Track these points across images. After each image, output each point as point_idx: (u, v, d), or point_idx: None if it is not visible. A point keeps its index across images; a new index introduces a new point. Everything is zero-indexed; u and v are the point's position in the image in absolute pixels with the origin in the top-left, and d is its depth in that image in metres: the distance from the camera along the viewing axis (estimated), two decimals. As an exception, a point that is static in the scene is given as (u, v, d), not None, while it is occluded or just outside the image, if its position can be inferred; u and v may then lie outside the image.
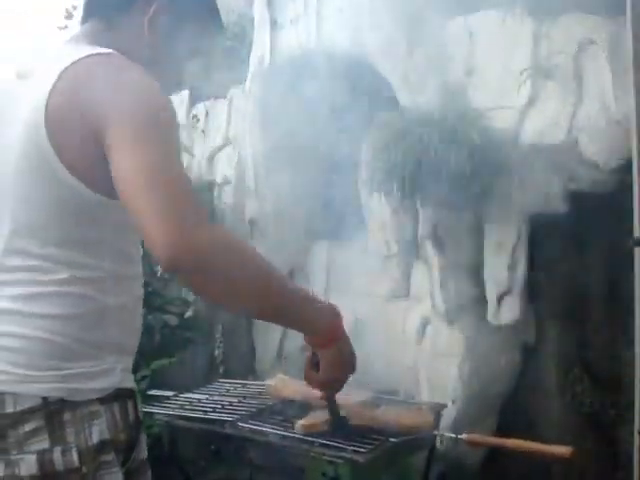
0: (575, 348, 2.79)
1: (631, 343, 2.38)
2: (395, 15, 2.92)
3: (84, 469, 1.20)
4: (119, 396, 1.27)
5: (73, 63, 1.20)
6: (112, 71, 1.21)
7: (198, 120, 4.28)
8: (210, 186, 4.03)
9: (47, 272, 1.22)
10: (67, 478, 1.20)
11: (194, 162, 4.23)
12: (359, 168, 3.35)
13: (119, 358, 1.29)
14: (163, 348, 3.36)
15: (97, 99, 1.17)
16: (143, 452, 1.34)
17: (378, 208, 3.21)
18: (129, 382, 1.32)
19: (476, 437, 1.76)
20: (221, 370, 3.76)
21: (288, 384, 2.12)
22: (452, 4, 2.87)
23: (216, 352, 3.80)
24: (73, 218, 1.23)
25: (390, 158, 2.67)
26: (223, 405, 2.12)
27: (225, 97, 4.12)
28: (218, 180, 4.05)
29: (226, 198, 3.97)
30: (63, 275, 1.22)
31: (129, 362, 1.34)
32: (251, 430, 1.95)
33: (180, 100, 4.45)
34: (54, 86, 1.18)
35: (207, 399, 2.22)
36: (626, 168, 2.35)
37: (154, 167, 1.15)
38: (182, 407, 2.12)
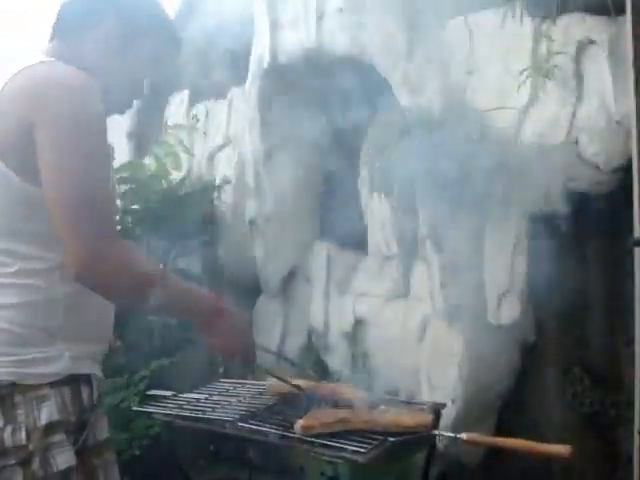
0: (575, 348, 2.79)
1: (631, 343, 2.38)
2: (395, 15, 2.91)
3: (30, 447, 1.32)
4: (72, 381, 1.38)
5: (15, 74, 1.33)
6: (48, 75, 1.32)
7: (198, 120, 4.28)
8: (210, 186, 4.02)
9: (1, 265, 1.34)
10: (15, 454, 1.31)
11: (194, 162, 4.22)
12: (359, 168, 3.35)
13: (70, 346, 1.39)
14: (163, 348, 3.36)
15: (29, 104, 1.28)
16: (102, 433, 1.46)
17: (378, 208, 3.21)
18: (86, 368, 1.43)
19: (476, 436, 1.76)
20: (221, 370, 3.75)
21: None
22: (452, 4, 2.87)
23: (216, 352, 3.79)
24: (10, 209, 1.34)
25: (390, 158, 2.67)
26: (223, 405, 2.12)
27: (225, 97, 4.12)
28: (218, 180, 4.04)
29: (226, 198, 3.97)
30: (13, 268, 1.34)
31: (86, 349, 1.44)
32: (251, 430, 1.95)
33: (180, 100, 4.45)
34: None
35: (206, 399, 2.22)
36: (626, 168, 2.35)
37: (70, 181, 1.26)
38: (181, 407, 2.12)
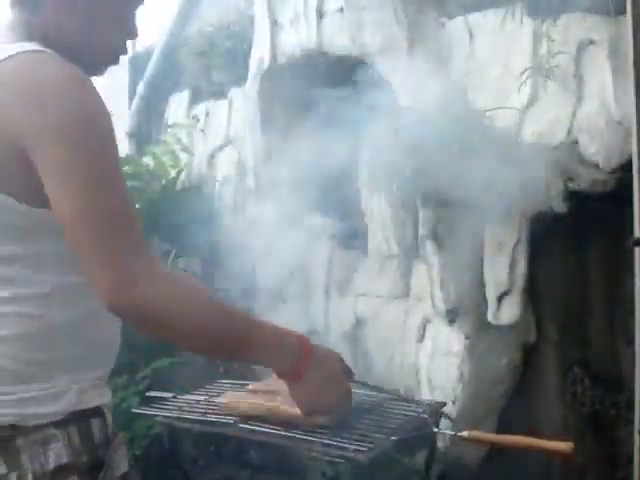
0: (575, 348, 2.79)
1: (631, 343, 2.38)
2: (395, 15, 2.91)
3: None
4: (80, 417, 1.21)
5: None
6: (37, 77, 1.10)
7: (198, 120, 4.28)
8: (209, 184, 4.03)
9: None
10: None
11: (194, 162, 4.22)
12: (359, 168, 3.35)
13: (75, 377, 1.22)
14: (163, 348, 3.36)
15: (20, 113, 1.08)
16: (119, 468, 1.28)
17: (378, 208, 3.21)
18: (94, 400, 1.25)
19: (476, 434, 1.76)
20: (221, 370, 3.76)
21: (242, 399, 2.09)
22: (452, 4, 2.87)
23: (216, 352, 3.79)
24: (7, 233, 1.15)
25: (390, 158, 2.67)
26: (222, 406, 2.12)
27: (225, 97, 4.12)
28: (218, 180, 4.05)
29: (226, 198, 3.97)
30: (4, 294, 1.15)
31: (92, 379, 1.26)
32: (251, 431, 1.95)
33: (180, 100, 4.45)
34: None
35: (206, 400, 2.22)
36: (626, 168, 2.35)
37: (91, 203, 1.08)
38: (181, 409, 2.12)
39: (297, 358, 1.29)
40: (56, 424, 1.18)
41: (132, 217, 1.13)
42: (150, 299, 1.09)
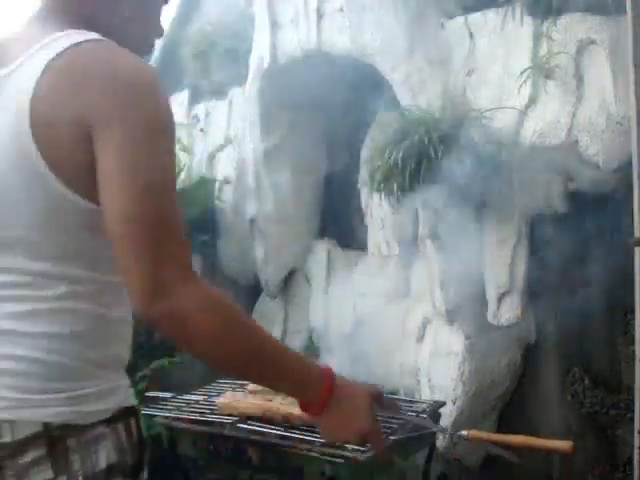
0: (575, 348, 2.79)
1: (631, 343, 2.38)
2: (395, 15, 2.91)
3: None
4: (123, 415, 1.18)
5: (58, 55, 1.07)
6: (105, 67, 1.08)
7: (198, 120, 4.28)
8: (209, 182, 4.03)
9: (41, 288, 1.12)
10: None
11: (194, 162, 4.22)
12: (359, 168, 3.35)
13: (122, 375, 1.22)
14: (163, 348, 3.36)
15: (88, 101, 1.05)
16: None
17: (378, 208, 3.21)
18: (132, 399, 1.23)
19: (476, 433, 1.76)
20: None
21: (241, 399, 2.09)
22: (452, 4, 2.87)
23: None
24: (68, 231, 1.13)
25: (390, 158, 2.67)
26: (221, 406, 2.12)
27: (225, 97, 4.12)
28: (218, 179, 4.05)
29: (226, 197, 3.97)
30: (59, 290, 1.12)
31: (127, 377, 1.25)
32: (250, 431, 1.95)
33: (180, 100, 4.45)
34: (38, 83, 1.06)
35: (205, 400, 2.22)
36: (626, 168, 2.34)
37: (145, 206, 1.04)
38: (180, 409, 2.12)
39: (319, 390, 1.24)
40: (107, 421, 1.15)
41: (180, 227, 1.10)
42: (184, 312, 1.06)
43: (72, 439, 1.10)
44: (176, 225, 1.08)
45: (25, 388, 1.10)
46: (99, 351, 1.17)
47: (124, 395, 1.20)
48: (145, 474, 1.21)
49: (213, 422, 2.03)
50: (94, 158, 1.06)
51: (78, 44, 1.08)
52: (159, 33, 1.32)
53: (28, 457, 1.08)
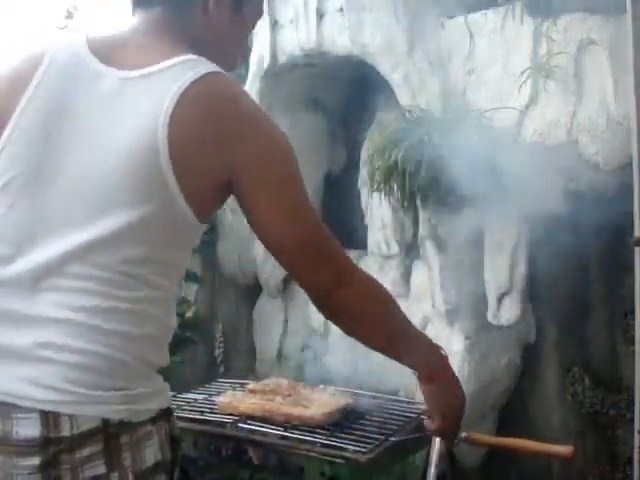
0: (575, 348, 2.79)
1: (631, 343, 2.38)
2: (395, 15, 2.91)
3: None
4: (164, 415, 1.23)
5: (190, 86, 1.13)
6: (238, 103, 1.20)
7: (198, 120, 4.27)
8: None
9: (122, 287, 1.14)
10: None
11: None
12: (359, 168, 3.35)
13: (161, 377, 1.27)
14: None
15: (230, 137, 1.16)
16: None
17: (378, 208, 3.21)
18: (170, 400, 1.29)
19: (476, 435, 1.76)
20: (221, 370, 3.76)
21: (242, 399, 2.10)
22: (452, 4, 2.87)
23: (216, 352, 3.80)
24: (166, 240, 1.19)
25: (390, 158, 2.67)
26: (222, 406, 2.12)
27: (225, 97, 4.12)
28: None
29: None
30: (141, 293, 1.16)
31: None
32: (250, 431, 1.95)
33: (180, 100, 4.44)
34: (174, 110, 1.11)
35: (205, 399, 2.22)
36: (626, 168, 2.34)
37: (305, 228, 1.23)
38: (180, 408, 2.12)
39: (440, 364, 1.42)
40: (153, 420, 1.18)
41: (328, 230, 1.26)
42: (355, 298, 1.25)
43: (125, 436, 1.13)
44: (329, 232, 1.25)
45: (87, 383, 1.11)
46: (158, 355, 1.24)
47: (166, 396, 1.26)
48: (178, 471, 1.25)
49: (213, 421, 2.03)
50: (219, 186, 1.20)
51: (206, 75, 1.15)
52: (247, 57, 1.41)
53: (85, 452, 1.09)
